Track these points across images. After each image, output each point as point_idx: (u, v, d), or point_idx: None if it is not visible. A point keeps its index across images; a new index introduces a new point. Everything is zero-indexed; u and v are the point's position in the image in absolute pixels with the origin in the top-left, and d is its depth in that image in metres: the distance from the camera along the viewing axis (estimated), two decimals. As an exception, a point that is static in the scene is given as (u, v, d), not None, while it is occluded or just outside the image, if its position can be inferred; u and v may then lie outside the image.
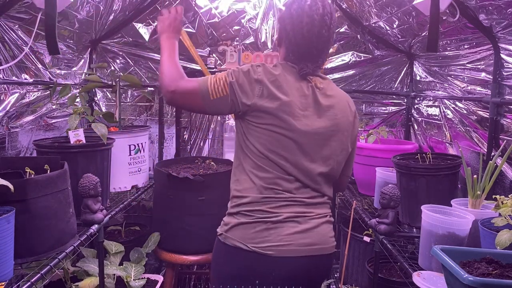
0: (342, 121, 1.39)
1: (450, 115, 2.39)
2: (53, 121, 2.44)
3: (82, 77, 2.73)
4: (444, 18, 1.97)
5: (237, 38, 2.99)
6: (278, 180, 1.33)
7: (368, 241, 2.30)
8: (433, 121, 2.64)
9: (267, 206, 1.32)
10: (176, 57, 1.45)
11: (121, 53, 2.96)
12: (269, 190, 1.33)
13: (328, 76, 2.95)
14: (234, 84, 1.31)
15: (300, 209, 1.35)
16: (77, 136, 1.90)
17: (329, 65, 3.00)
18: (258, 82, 1.31)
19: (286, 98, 1.31)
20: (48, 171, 1.48)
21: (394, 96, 3.08)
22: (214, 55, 2.95)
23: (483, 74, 2.09)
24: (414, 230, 1.90)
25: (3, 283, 1.15)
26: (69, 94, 2.31)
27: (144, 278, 2.19)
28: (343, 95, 1.45)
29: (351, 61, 3.01)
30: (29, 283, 1.24)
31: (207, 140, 3.12)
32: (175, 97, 1.35)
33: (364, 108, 3.10)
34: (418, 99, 2.89)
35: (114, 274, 2.08)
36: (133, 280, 2.10)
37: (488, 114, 1.98)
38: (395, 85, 3.06)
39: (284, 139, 1.31)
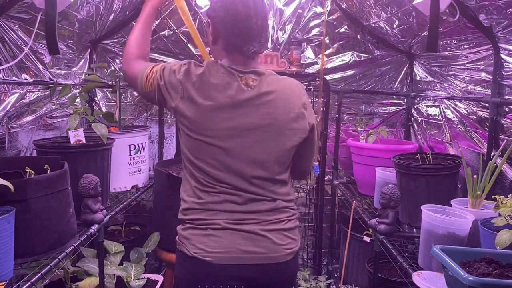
0: (279, 119, 1.28)
1: (450, 115, 2.39)
2: (53, 121, 2.44)
3: (82, 77, 2.73)
4: (444, 18, 1.97)
5: (237, 38, 2.98)
6: (211, 186, 1.28)
7: (368, 241, 2.30)
8: (433, 121, 2.64)
9: (204, 214, 1.29)
10: (146, 28, 1.46)
11: (121, 53, 2.95)
12: (205, 193, 1.29)
13: (328, 76, 2.97)
14: (162, 86, 1.29)
15: (241, 216, 1.28)
16: (77, 136, 1.90)
17: (329, 65, 2.99)
18: (180, 83, 1.26)
19: (205, 102, 1.24)
20: (48, 171, 1.48)
21: (394, 96, 3.07)
22: (214, 55, 2.95)
23: (483, 74, 2.09)
24: (414, 230, 1.90)
25: (3, 283, 1.15)
26: (69, 94, 2.31)
27: (144, 278, 2.19)
28: (284, 89, 1.32)
29: (351, 61, 3.01)
30: (29, 283, 1.24)
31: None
32: (126, 77, 1.41)
33: (364, 108, 3.09)
34: (418, 99, 2.89)
35: (114, 274, 2.09)
36: (133, 280, 2.10)
37: (488, 114, 1.98)
38: (395, 85, 3.05)
39: (208, 146, 1.25)
